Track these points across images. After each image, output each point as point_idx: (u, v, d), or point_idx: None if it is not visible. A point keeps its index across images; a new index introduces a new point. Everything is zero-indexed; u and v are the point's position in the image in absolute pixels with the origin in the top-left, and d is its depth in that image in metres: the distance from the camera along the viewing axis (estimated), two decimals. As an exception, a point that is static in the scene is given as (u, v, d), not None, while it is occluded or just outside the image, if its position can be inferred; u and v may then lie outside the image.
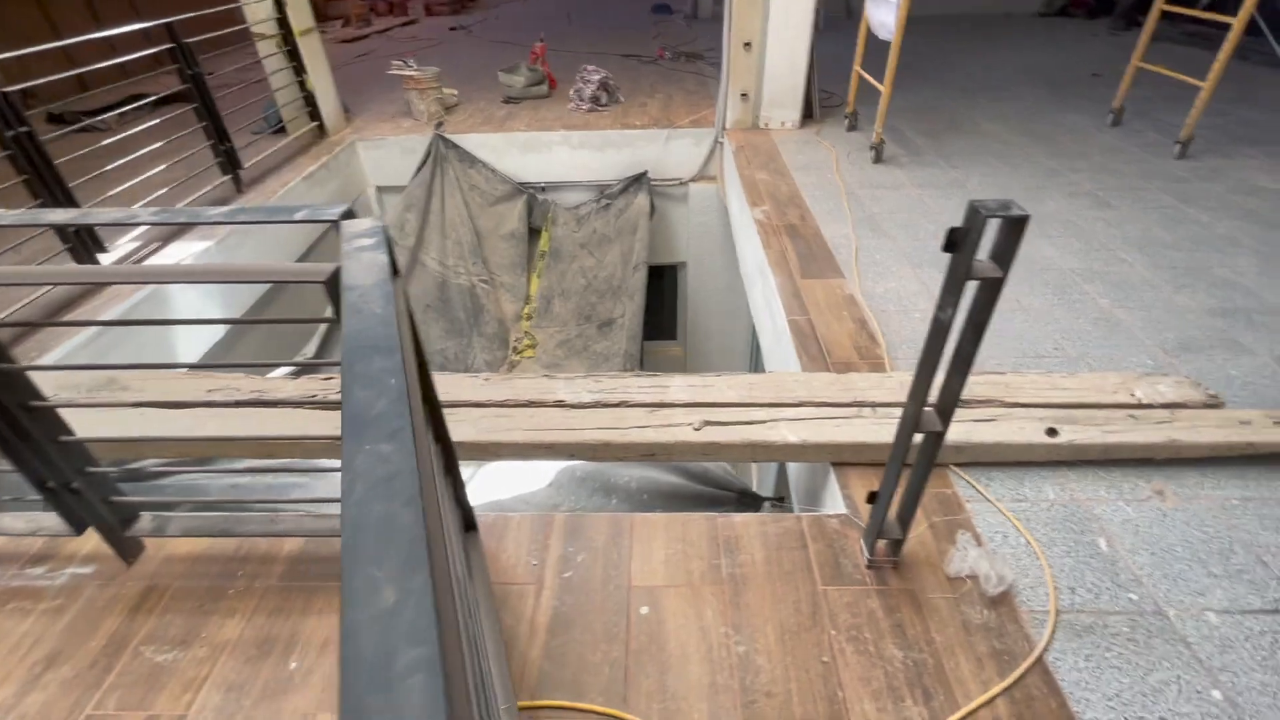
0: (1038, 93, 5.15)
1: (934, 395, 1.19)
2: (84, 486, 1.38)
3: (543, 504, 2.01)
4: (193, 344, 3.02)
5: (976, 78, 5.60)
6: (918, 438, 1.24)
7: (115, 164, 3.13)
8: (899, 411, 1.27)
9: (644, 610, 1.41)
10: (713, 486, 2.10)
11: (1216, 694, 1.22)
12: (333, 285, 1.07)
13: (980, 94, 5.14)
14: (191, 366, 1.53)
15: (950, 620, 1.37)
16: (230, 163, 3.56)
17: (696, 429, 1.75)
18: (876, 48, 3.94)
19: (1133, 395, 1.81)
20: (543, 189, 4.89)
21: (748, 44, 4.15)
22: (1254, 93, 4.92)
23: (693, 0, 9.28)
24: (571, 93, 5.17)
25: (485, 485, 2.07)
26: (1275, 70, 5.57)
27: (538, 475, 2.08)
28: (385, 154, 4.74)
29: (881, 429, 1.72)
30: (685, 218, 4.90)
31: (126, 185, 3.15)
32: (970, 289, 1.03)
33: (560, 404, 1.87)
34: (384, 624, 0.46)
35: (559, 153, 4.70)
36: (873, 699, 1.23)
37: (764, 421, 1.76)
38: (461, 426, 1.75)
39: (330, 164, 4.30)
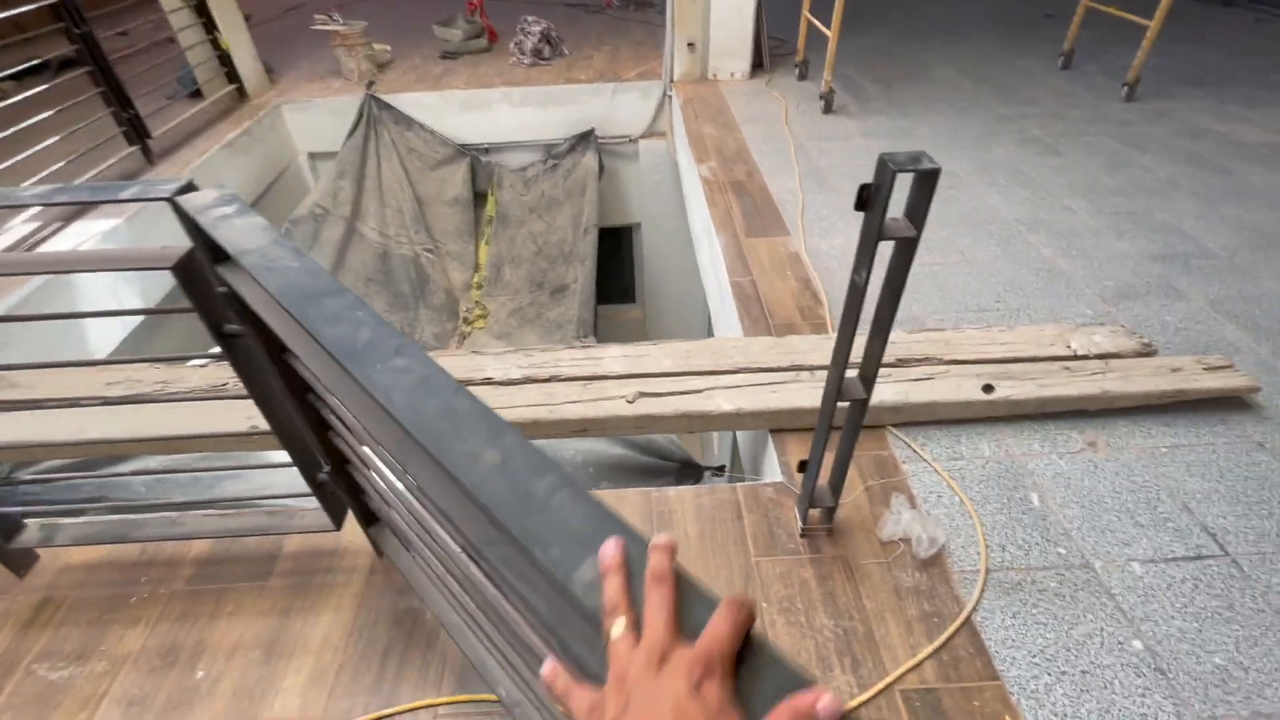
0: (991, 35, 5.06)
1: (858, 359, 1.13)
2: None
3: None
4: (104, 337, 2.82)
5: (930, 20, 5.46)
6: (843, 405, 1.19)
7: (2, 134, 2.85)
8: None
9: (573, 593, 1.37)
10: (656, 457, 2.06)
11: (1137, 644, 1.23)
12: (185, 270, 0.95)
13: (933, 37, 5.02)
14: (92, 363, 1.40)
15: (882, 585, 1.35)
16: (136, 131, 3.28)
17: (630, 401, 1.69)
18: (825, -10, 3.78)
19: (1069, 347, 1.80)
20: (485, 150, 4.67)
21: (692, -11, 3.95)
22: (1205, 32, 4.91)
23: (643, -57, 8.82)
24: (512, 46, 4.89)
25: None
26: (1225, 6, 5.56)
27: None
28: (314, 117, 4.45)
29: (820, 393, 1.68)
30: (637, 176, 4.75)
31: (18, 158, 2.88)
32: (886, 250, 0.97)
33: (489, 381, 1.79)
34: (504, 473, 0.50)
35: (501, 111, 4.47)
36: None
37: (700, 391, 1.70)
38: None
39: (254, 130, 4.01)
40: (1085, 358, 1.77)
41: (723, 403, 1.67)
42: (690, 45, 4.16)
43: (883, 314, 1.03)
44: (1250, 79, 3.98)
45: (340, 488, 1.28)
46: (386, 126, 4.37)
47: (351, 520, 1.36)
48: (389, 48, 5.00)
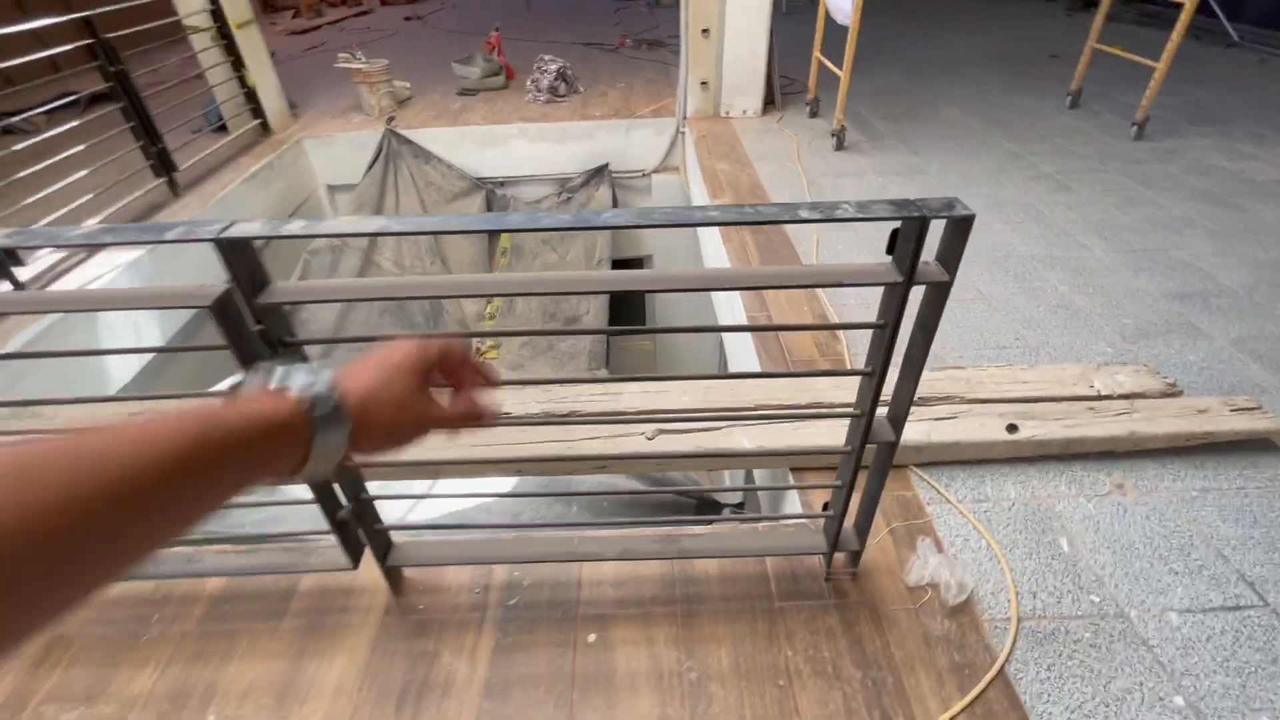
0: (996, 75, 5.15)
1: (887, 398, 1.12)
2: None
3: (504, 513, 1.92)
4: (120, 369, 2.84)
5: (935, 61, 5.57)
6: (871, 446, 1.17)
7: (35, 168, 2.93)
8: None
9: (592, 638, 1.34)
10: (672, 493, 2.03)
11: (1179, 700, 1.19)
12: (223, 308, 0.96)
13: (940, 77, 5.11)
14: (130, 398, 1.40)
15: (910, 633, 1.31)
16: (164, 165, 3.36)
17: (650, 438, 1.68)
18: (836, 32, 3.87)
19: (1092, 386, 1.78)
20: (501, 184, 4.75)
21: (705, 30, 4.05)
22: (1207, 72, 4.98)
23: (654, -14, 9.11)
24: (529, 83, 5.02)
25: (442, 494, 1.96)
26: (1227, 49, 5.65)
27: (500, 482, 1.98)
28: (335, 151, 4.55)
29: (841, 432, 1.66)
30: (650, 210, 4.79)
31: (48, 190, 2.95)
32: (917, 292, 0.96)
33: (507, 415, 1.78)
34: None
35: (517, 146, 4.56)
36: (830, 723, 1.18)
37: (719, 428, 1.69)
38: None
39: (275, 163, 4.10)
40: (1109, 398, 1.75)
41: (743, 440, 1.65)
42: (704, 84, 4.25)
43: (914, 355, 1.03)
44: (1256, 117, 4.02)
45: (360, 525, 1.27)
46: (405, 160, 4.46)
47: (367, 559, 1.34)
48: (409, 84, 5.14)
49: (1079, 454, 1.68)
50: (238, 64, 4.07)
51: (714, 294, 3.30)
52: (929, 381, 1.80)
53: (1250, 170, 3.33)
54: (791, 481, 1.69)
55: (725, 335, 2.92)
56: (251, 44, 4.18)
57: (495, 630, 1.36)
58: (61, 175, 2.98)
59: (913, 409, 1.67)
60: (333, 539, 1.31)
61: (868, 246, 2.74)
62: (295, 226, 0.90)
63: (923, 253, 0.89)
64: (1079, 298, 2.36)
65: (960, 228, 0.88)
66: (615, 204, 4.55)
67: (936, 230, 0.88)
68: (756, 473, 2.21)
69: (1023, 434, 1.65)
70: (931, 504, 1.59)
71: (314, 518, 1.25)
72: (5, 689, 1.29)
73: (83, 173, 3.02)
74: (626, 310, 5.52)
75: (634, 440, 1.68)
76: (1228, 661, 1.24)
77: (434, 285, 0.99)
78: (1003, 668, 1.24)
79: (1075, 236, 2.78)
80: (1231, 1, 6.19)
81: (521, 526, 1.74)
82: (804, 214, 0.87)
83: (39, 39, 3.07)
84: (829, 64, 3.87)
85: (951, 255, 0.91)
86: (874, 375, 1.05)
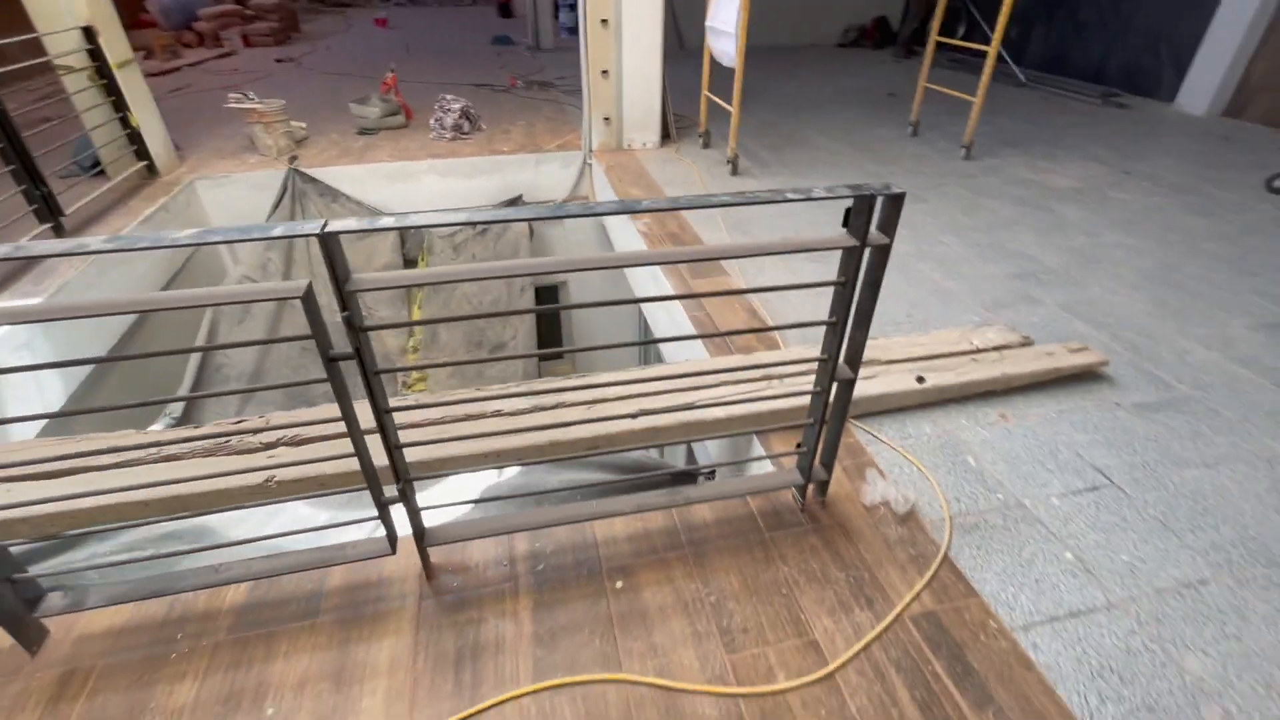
0: (850, 110, 5.98)
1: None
2: (-16, 565, 1.21)
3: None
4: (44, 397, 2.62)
5: (799, 99, 6.36)
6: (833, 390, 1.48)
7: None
8: (802, 379, 1.51)
9: (619, 584, 1.52)
10: (646, 473, 2.24)
11: (1069, 555, 1.58)
12: (310, 300, 1.09)
13: (805, 112, 5.85)
14: (183, 400, 1.38)
15: (874, 540, 1.62)
16: (49, 209, 3.12)
17: (634, 418, 1.89)
18: (719, 74, 4.39)
19: (971, 344, 2.24)
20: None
21: (605, 71, 4.42)
22: (1005, 106, 6.10)
23: (534, 32, 9.51)
24: (432, 121, 5.12)
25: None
26: (1017, 88, 6.93)
27: (468, 493, 2.07)
28: (231, 192, 4.38)
29: (791, 398, 1.97)
30: (562, 237, 5.04)
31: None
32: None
33: (498, 413, 1.92)
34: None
35: (427, 181, 4.65)
36: (829, 614, 1.44)
37: (693, 405, 1.94)
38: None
39: (169, 205, 3.90)
40: (984, 350, 2.22)
41: (716, 411, 1.91)
42: (606, 119, 4.60)
43: (865, 307, 1.35)
44: (1048, 141, 5.03)
45: (403, 505, 1.38)
46: (311, 199, 4.39)
47: (400, 547, 1.44)
48: (304, 124, 5.05)
49: (970, 395, 2.11)
50: (119, 104, 3.85)
51: (644, 305, 3.59)
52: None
53: (1051, 180, 4.18)
54: (755, 442, 1.98)
55: (662, 335, 3.19)
56: (133, 84, 3.98)
57: (531, 592, 1.50)
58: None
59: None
60: (358, 533, 1.40)
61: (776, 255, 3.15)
62: (388, 221, 1.06)
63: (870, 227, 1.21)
64: (947, 282, 2.90)
65: (895, 203, 1.21)
66: (532, 233, 4.75)
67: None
68: (723, 445, 2.45)
69: (929, 384, 2.05)
70: (870, 445, 1.93)
71: (336, 514, 1.35)
72: (26, 727, 1.24)
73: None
74: (550, 337, 5.68)
75: (621, 422, 1.89)
76: (1095, 523, 1.66)
77: (486, 269, 1.17)
78: (946, 553, 1.58)
79: (935, 236, 3.37)
80: (1017, 49, 7.63)
81: (538, 493, 1.88)
82: (790, 195, 1.16)
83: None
84: (718, 100, 4.37)
85: (889, 225, 1.24)
86: (838, 324, 1.36)
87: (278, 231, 1.02)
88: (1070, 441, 1.95)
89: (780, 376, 2.06)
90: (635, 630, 1.41)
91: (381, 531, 1.44)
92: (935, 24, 4.67)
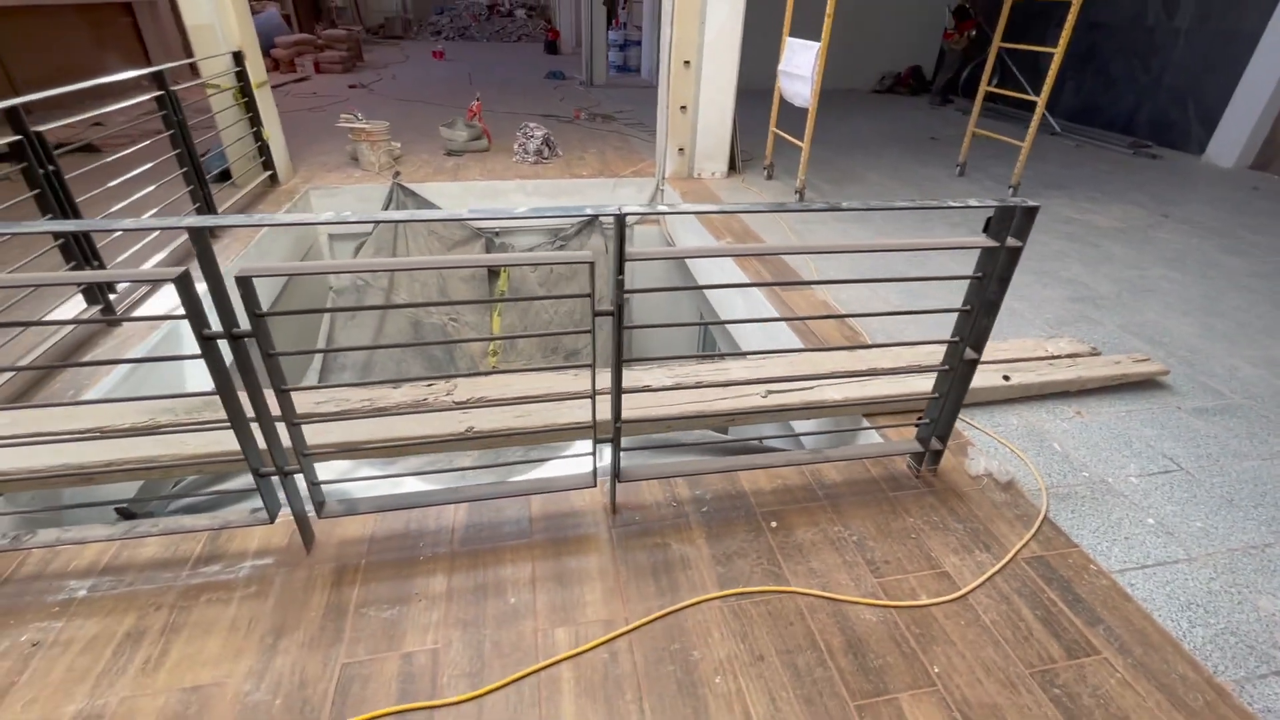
0: (895, 150, 6.39)
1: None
2: (303, 471, 1.54)
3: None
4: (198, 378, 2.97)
5: (850, 140, 6.79)
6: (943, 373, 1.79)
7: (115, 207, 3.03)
8: (904, 374, 1.86)
9: (774, 524, 1.82)
10: (775, 443, 2.55)
11: (1150, 520, 1.86)
12: (594, 268, 1.43)
13: (855, 151, 6.27)
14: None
15: (982, 502, 1.91)
16: (209, 208, 3.53)
17: (764, 397, 2.21)
18: (785, 112, 4.81)
19: (1047, 350, 2.55)
20: (497, 234, 5.19)
21: (684, 107, 4.86)
22: (1043, 153, 6.49)
23: (588, 69, 10.12)
24: (516, 146, 5.58)
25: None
26: (1051, 136, 7.35)
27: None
28: (340, 202, 4.81)
29: (894, 386, 2.29)
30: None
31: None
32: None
33: (647, 388, 2.25)
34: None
35: (515, 199, 5.06)
36: (955, 554, 1.73)
37: (811, 387, 2.26)
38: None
39: (293, 211, 4.32)
40: (1059, 357, 2.53)
41: (831, 394, 2.23)
42: (680, 150, 5.03)
43: (993, 298, 1.67)
44: (1088, 184, 5.40)
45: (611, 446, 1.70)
46: (410, 211, 4.81)
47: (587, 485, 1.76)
48: (399, 144, 5.52)
49: (1048, 394, 2.41)
50: (255, 120, 4.32)
51: (733, 312, 3.92)
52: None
53: (1093, 220, 4.53)
54: (865, 421, 2.28)
55: (753, 339, 3.51)
56: (266, 102, 4.45)
57: (702, 526, 1.80)
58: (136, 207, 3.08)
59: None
60: (562, 467, 1.71)
61: (850, 267, 3.50)
62: (667, 208, 1.41)
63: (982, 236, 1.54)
64: (1013, 302, 3.22)
65: (1029, 214, 1.55)
66: (607, 250, 5.13)
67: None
68: (824, 422, 2.73)
69: (1014, 381, 2.36)
70: (967, 431, 2.23)
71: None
72: (320, 603, 1.55)
73: (153, 211, 3.17)
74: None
75: (752, 399, 2.20)
76: (1170, 498, 1.95)
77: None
78: (1045, 514, 1.87)
79: (942, 265, 3.70)
80: (1050, 99, 8.06)
81: (706, 444, 2.19)
82: (939, 204, 1.50)
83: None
84: (787, 136, 4.79)
85: (1022, 232, 1.57)
86: (972, 311, 1.68)
87: (589, 212, 1.37)
88: (1141, 435, 2.24)
89: (885, 373, 2.37)
90: (794, 558, 1.71)
91: (586, 468, 1.75)
92: (985, 75, 5.09)
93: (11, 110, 2.25)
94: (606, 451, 1.78)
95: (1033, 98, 4.70)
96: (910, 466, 2.03)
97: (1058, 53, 4.28)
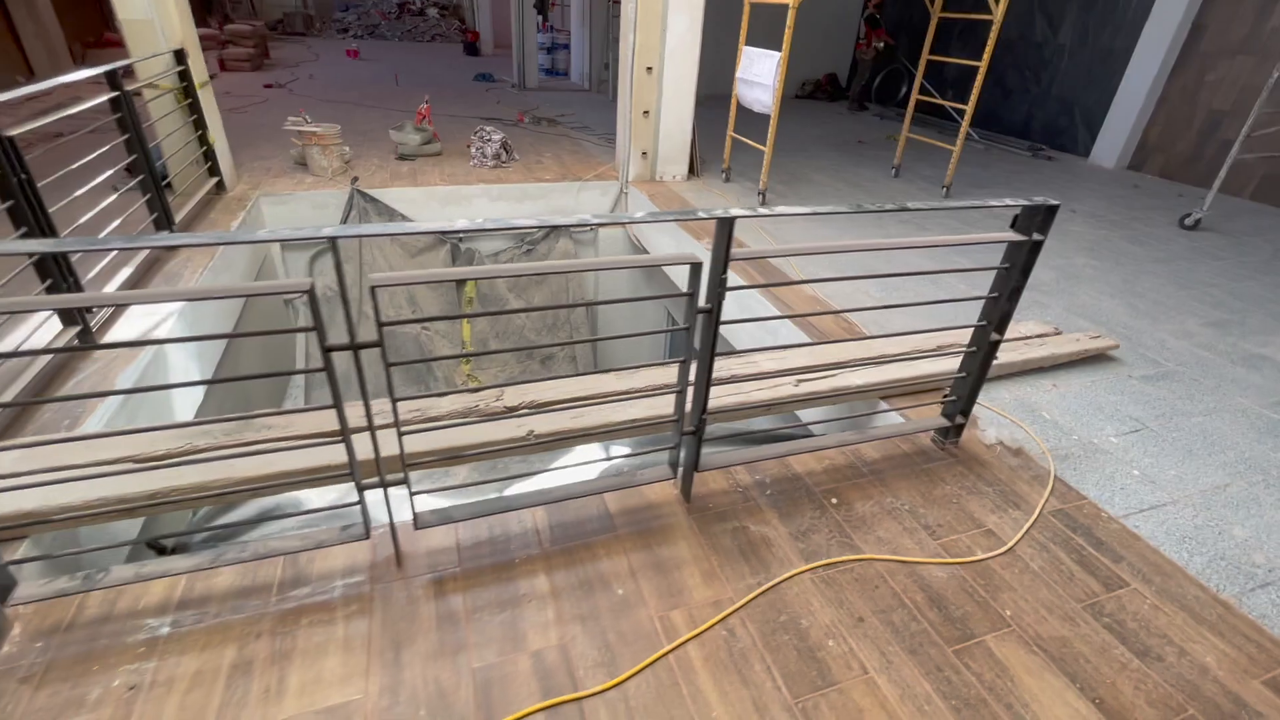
0: (831, 153, 6.81)
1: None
2: (406, 482, 1.52)
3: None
4: (185, 404, 2.76)
5: (787, 143, 7.15)
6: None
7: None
8: (914, 359, 2.08)
9: (834, 500, 1.97)
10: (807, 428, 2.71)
11: (1136, 472, 2.18)
12: (698, 270, 1.52)
13: (796, 154, 6.63)
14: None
15: (1001, 468, 2.16)
16: (167, 219, 3.27)
17: (795, 385, 2.37)
18: (742, 117, 5.04)
19: (1021, 332, 2.87)
20: (460, 239, 5.09)
21: (646, 112, 4.98)
22: (966, 156, 7.13)
23: (519, 72, 10.02)
24: (473, 150, 5.49)
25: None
26: (971, 141, 8.06)
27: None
28: (293, 209, 4.55)
29: (909, 370, 2.51)
30: (595, 258, 5.48)
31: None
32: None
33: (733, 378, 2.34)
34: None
35: (479, 204, 4.99)
36: (991, 513, 1.95)
37: (835, 374, 2.44)
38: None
39: (248, 220, 4.06)
40: (1030, 337, 2.86)
41: (855, 379, 2.42)
42: (644, 154, 5.14)
43: (1017, 283, 1.90)
44: (1002, 184, 6.00)
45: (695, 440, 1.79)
46: (371, 218, 4.63)
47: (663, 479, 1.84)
48: (350, 148, 5.28)
49: (1027, 370, 2.72)
50: (199, 123, 4.02)
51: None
52: (951, 335, 2.75)
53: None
54: (883, 405, 2.49)
55: (746, 338, 3.68)
56: (209, 104, 4.15)
57: (772, 508, 1.93)
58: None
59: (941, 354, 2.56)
60: (649, 466, 1.79)
61: (827, 264, 3.74)
62: (767, 210, 1.51)
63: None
64: (973, 290, 3.57)
65: (1051, 212, 1.78)
66: (576, 254, 5.16)
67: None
68: (840, 409, 2.91)
69: (1001, 360, 2.65)
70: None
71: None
72: (429, 614, 1.54)
73: (116, 222, 2.90)
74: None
75: (785, 389, 2.35)
76: (1145, 452, 2.28)
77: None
78: (1055, 474, 2.14)
79: (947, 259, 4.08)
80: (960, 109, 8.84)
81: (770, 438, 2.30)
82: (974, 204, 1.71)
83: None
84: (747, 140, 5.01)
85: (1045, 227, 1.80)
86: (999, 298, 1.91)
87: (691, 218, 1.45)
88: (1108, 401, 2.58)
89: (894, 359, 2.59)
90: (861, 529, 1.87)
91: (659, 463, 1.83)
92: (916, 85, 5.56)
93: (-19, 114, 2.03)
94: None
95: (959, 106, 5.18)
96: (935, 440, 2.26)
97: (983, 65, 4.76)
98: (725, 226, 1.50)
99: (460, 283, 4.99)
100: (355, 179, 4.72)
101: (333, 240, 1.28)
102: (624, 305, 5.81)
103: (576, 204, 5.26)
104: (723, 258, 1.53)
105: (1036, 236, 1.81)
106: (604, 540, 1.78)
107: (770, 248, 1.70)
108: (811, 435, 2.83)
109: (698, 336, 1.66)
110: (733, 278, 1.59)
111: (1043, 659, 1.52)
